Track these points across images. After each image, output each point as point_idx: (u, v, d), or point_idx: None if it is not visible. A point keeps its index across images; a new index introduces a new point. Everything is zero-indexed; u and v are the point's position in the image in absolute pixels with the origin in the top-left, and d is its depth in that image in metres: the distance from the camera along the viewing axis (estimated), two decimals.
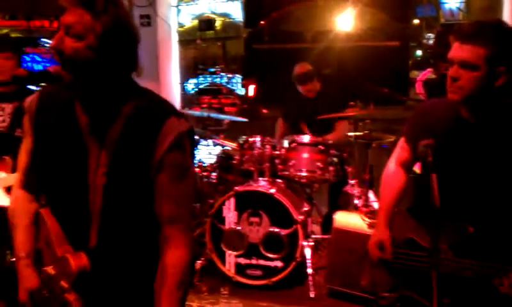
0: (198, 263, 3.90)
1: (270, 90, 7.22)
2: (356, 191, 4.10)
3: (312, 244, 3.87)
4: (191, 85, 7.75)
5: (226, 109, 7.51)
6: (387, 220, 2.22)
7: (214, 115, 5.16)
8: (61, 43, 1.38)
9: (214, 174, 4.36)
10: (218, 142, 4.80)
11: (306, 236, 3.80)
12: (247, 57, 8.26)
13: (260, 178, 3.99)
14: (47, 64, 6.88)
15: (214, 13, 7.47)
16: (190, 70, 7.76)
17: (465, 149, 1.98)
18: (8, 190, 2.86)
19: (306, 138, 4.04)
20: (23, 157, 1.63)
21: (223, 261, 3.83)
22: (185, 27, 7.49)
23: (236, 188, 3.85)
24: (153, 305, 1.53)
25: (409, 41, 8.52)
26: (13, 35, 7.12)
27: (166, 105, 1.55)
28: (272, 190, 3.75)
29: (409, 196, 2.30)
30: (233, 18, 7.50)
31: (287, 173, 3.96)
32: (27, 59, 6.96)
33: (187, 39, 7.52)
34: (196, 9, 7.46)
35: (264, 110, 5.29)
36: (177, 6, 7.37)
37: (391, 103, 6.53)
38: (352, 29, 7.50)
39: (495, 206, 1.96)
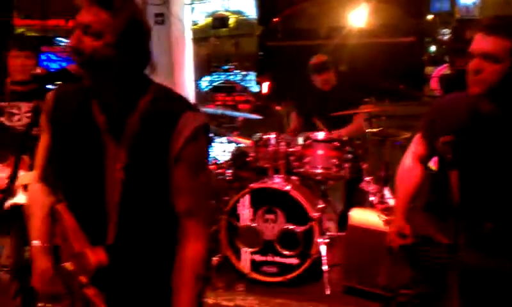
0: (214, 260, 3.91)
1: (284, 87, 7.19)
2: (371, 188, 4.07)
3: (327, 240, 3.86)
4: (205, 82, 7.77)
5: (240, 106, 7.51)
6: (404, 213, 2.21)
7: (228, 112, 5.16)
8: (79, 42, 1.39)
9: (228, 171, 4.36)
10: (232, 139, 4.81)
11: (322, 233, 3.79)
12: (261, 55, 8.25)
13: (275, 175, 3.99)
14: (63, 63, 6.92)
15: (228, 11, 7.51)
16: (204, 67, 7.77)
17: (486, 144, 1.95)
18: (26, 188, 2.89)
19: (321, 135, 4.02)
20: (41, 153, 1.65)
21: (239, 258, 3.84)
22: (199, 25, 7.53)
23: (251, 185, 3.85)
24: (172, 298, 1.53)
25: (424, 37, 8.44)
26: (28, 34, 7.19)
27: (182, 100, 1.56)
28: (288, 187, 3.75)
29: (424, 192, 2.29)
30: (247, 16, 7.52)
31: (302, 169, 3.96)
32: (43, 57, 7.02)
33: (200, 37, 7.55)
34: (209, 7, 7.50)
35: (278, 108, 5.28)
36: (191, 4, 7.41)
37: (406, 100, 6.48)
38: (366, 25, 7.44)
39: None
